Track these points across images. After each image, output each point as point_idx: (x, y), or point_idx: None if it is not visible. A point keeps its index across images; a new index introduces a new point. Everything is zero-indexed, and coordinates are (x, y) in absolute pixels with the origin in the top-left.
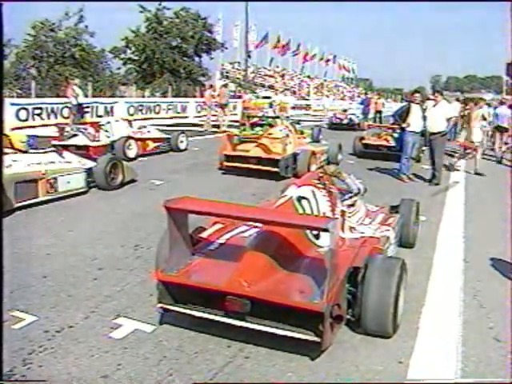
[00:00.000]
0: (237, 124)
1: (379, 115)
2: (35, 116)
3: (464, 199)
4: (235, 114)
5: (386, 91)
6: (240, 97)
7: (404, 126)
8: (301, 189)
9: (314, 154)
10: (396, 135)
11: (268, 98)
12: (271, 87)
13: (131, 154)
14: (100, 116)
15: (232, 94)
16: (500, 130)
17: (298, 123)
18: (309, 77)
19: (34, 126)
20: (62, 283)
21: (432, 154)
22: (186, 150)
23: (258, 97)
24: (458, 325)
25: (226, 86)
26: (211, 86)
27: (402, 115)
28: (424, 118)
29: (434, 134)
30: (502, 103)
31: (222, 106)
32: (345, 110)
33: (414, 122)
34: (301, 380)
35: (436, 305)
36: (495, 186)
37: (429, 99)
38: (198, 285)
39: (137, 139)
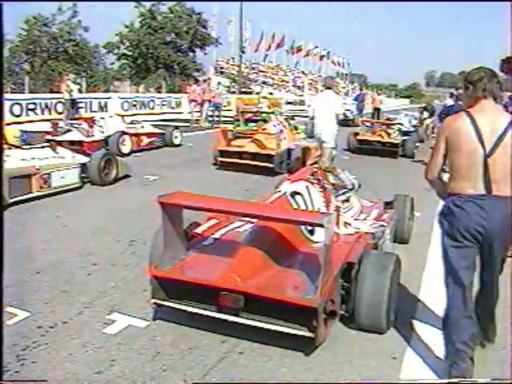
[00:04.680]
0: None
1: (377, 112)
2: (29, 111)
3: None
4: (230, 110)
5: (381, 87)
6: (234, 92)
7: None
8: (295, 184)
9: (308, 149)
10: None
11: (270, 93)
12: (265, 83)
13: (125, 149)
14: (94, 111)
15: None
16: None
17: (293, 119)
18: (303, 72)
19: (28, 122)
20: (55, 279)
21: None
22: (180, 145)
23: (250, 92)
24: None
25: (206, 81)
26: (201, 81)
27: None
28: None
29: None
30: None
31: (203, 103)
32: None
33: None
34: (295, 377)
35: (430, 300)
36: None
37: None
38: (192, 280)
39: (131, 134)
